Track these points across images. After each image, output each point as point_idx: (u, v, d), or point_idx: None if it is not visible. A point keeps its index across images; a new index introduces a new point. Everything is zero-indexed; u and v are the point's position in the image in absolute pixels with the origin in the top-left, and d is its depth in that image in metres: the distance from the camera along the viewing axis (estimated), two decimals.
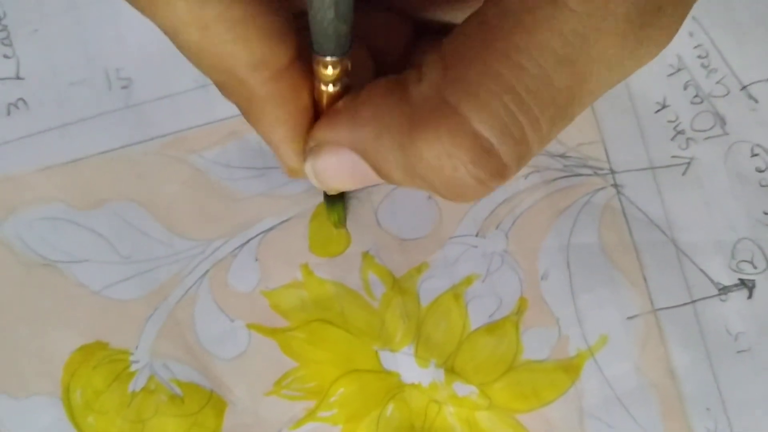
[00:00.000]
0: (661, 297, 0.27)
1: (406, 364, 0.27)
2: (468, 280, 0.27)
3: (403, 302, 0.27)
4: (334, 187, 0.21)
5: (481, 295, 0.27)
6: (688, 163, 0.28)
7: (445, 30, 0.21)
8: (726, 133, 0.28)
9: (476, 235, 0.27)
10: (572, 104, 0.16)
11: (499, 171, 0.17)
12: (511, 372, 0.27)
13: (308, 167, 0.20)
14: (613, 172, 0.27)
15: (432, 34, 0.22)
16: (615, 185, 0.27)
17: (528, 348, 0.27)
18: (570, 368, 0.27)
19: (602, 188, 0.27)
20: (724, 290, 0.27)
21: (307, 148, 0.20)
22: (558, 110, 0.16)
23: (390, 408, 0.27)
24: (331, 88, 0.19)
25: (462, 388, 0.26)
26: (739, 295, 0.27)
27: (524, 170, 0.27)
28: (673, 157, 0.28)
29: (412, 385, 0.27)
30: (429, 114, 0.16)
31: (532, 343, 0.27)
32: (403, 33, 0.22)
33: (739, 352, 0.27)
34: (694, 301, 0.27)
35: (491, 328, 0.27)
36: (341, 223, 0.27)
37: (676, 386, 0.27)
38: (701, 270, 0.27)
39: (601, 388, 0.27)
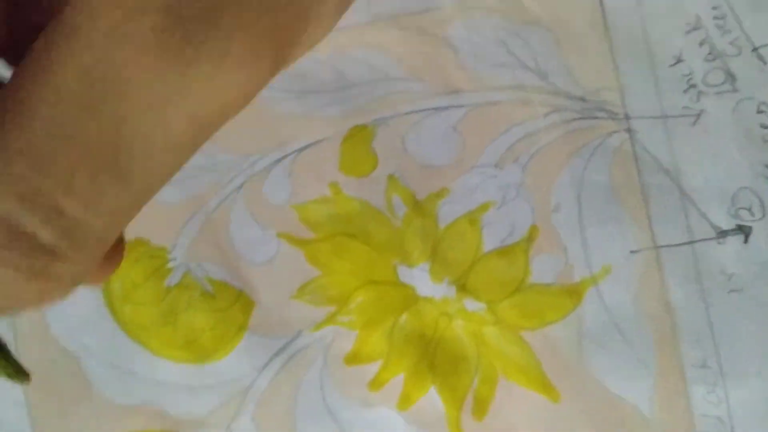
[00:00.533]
0: (663, 235, 0.29)
1: (421, 279, 0.29)
2: (484, 207, 0.29)
3: (423, 223, 0.29)
4: None
5: (495, 221, 0.29)
6: (698, 115, 0.30)
7: None
8: (735, 90, 0.30)
9: (495, 166, 0.29)
10: (116, 158, 0.12)
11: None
12: (518, 293, 0.29)
13: None
14: (627, 117, 0.30)
15: None
16: (628, 130, 0.29)
17: (536, 272, 0.29)
18: (573, 293, 0.29)
19: (616, 132, 0.29)
20: (722, 234, 0.29)
21: None
22: (98, 167, 0.12)
23: (404, 318, 0.29)
24: None
25: (472, 304, 0.29)
26: (736, 240, 0.29)
27: (544, 110, 0.29)
28: (685, 108, 0.30)
29: (426, 298, 0.29)
30: None
31: (539, 267, 0.29)
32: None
33: (731, 291, 0.29)
34: (693, 242, 0.29)
35: (503, 251, 0.29)
36: (16, 375, 0.17)
37: (670, 318, 0.29)
38: (702, 214, 0.29)
39: (601, 314, 0.29)
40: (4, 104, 0.12)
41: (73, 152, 0.12)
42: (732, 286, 0.29)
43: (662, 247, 0.29)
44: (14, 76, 0.12)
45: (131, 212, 0.13)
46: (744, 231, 0.29)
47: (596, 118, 0.29)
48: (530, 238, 0.29)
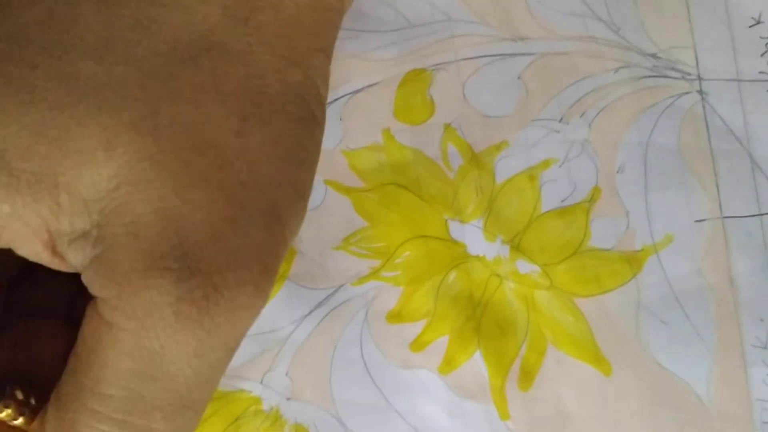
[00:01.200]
0: (731, 205, 0.27)
1: (473, 236, 0.27)
2: (545, 164, 0.27)
3: (479, 176, 0.27)
4: None
5: (556, 179, 0.27)
6: None
7: None
8: None
9: (560, 121, 0.27)
10: (184, 398, 0.17)
11: None
12: (575, 256, 0.27)
13: None
14: (700, 78, 0.28)
15: None
16: (700, 92, 0.28)
17: (595, 235, 0.27)
18: (633, 261, 0.27)
19: (687, 93, 0.28)
20: None
21: None
22: (170, 411, 0.17)
23: (452, 276, 0.27)
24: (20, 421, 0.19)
25: (525, 266, 0.27)
26: None
27: (614, 64, 0.28)
28: (761, 72, 0.28)
29: (477, 257, 0.27)
30: None
31: (599, 231, 0.27)
32: (64, 340, 0.21)
33: None
34: (762, 214, 0.27)
35: (562, 212, 0.27)
36: None
37: (733, 293, 0.27)
38: None
39: (661, 284, 0.27)
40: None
41: (142, 407, 0.16)
42: None
43: (729, 217, 0.27)
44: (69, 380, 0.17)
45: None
46: None
47: (668, 77, 0.28)
48: (592, 200, 0.27)
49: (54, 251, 0.17)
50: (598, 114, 0.28)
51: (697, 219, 0.27)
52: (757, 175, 0.28)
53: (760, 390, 0.27)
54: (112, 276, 0.16)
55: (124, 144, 0.16)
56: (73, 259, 0.17)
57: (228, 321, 0.16)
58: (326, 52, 0.19)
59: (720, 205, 0.27)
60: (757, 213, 0.27)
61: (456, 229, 0.27)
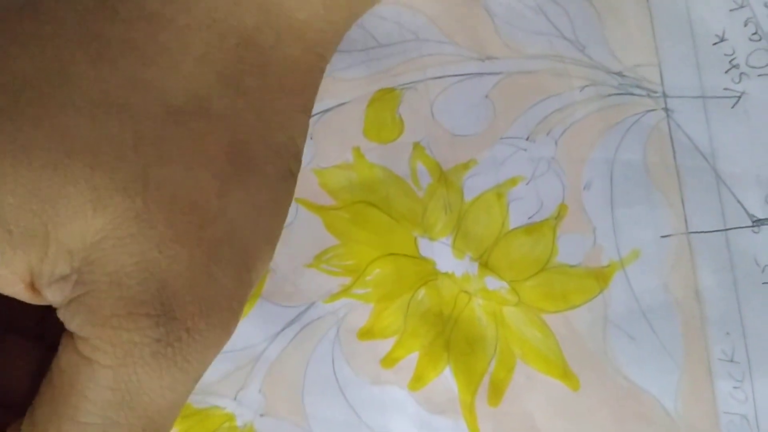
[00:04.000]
0: (696, 221, 0.28)
1: (442, 253, 0.28)
2: (513, 181, 0.28)
3: (447, 194, 0.28)
4: None
5: (523, 196, 0.28)
6: (739, 97, 0.28)
7: None
8: None
9: (527, 139, 0.28)
10: (156, 422, 0.18)
11: None
12: (543, 273, 0.27)
13: None
14: (665, 95, 0.28)
15: None
16: (665, 109, 0.28)
17: (562, 252, 0.27)
18: (600, 276, 0.27)
19: (653, 110, 0.28)
20: (757, 222, 0.28)
21: None
22: None
23: (421, 293, 0.28)
24: None
25: (493, 283, 0.27)
26: None
27: (580, 82, 0.28)
28: (725, 89, 0.28)
29: (446, 274, 0.28)
30: None
31: (566, 247, 0.27)
32: (34, 358, 0.22)
33: (765, 283, 0.28)
34: (727, 229, 0.28)
35: (529, 229, 0.28)
36: None
37: (699, 308, 0.27)
38: (738, 200, 0.28)
39: (628, 300, 0.27)
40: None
41: (119, 430, 0.17)
42: (765, 278, 0.28)
43: (695, 233, 0.28)
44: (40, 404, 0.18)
45: None
46: None
47: (633, 94, 0.28)
48: (559, 216, 0.28)
49: (32, 289, 0.17)
50: (564, 132, 0.28)
51: (663, 234, 0.28)
52: (722, 190, 0.28)
53: (726, 403, 0.27)
54: (93, 318, 0.17)
55: (114, 203, 0.16)
56: (51, 297, 0.17)
57: (198, 359, 0.18)
58: (307, 111, 0.20)
59: (686, 220, 0.28)
60: (722, 228, 0.28)
61: (425, 247, 0.28)
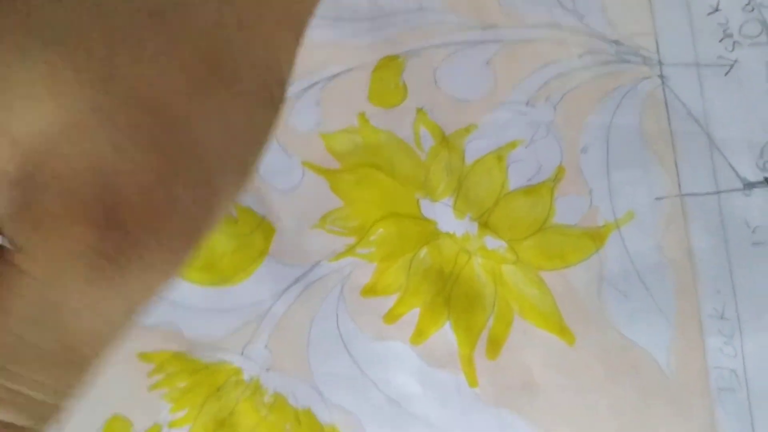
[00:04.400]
0: (690, 184, 0.29)
1: (443, 214, 0.29)
2: (512, 144, 0.29)
3: (449, 157, 0.29)
4: None
5: (522, 159, 0.29)
6: (732, 65, 0.29)
7: None
8: None
9: (526, 104, 0.29)
10: (72, 352, 0.16)
11: None
12: (540, 232, 0.29)
13: None
14: (660, 63, 0.29)
15: None
16: (661, 76, 0.29)
17: (560, 212, 0.29)
18: (596, 236, 0.29)
19: (649, 77, 0.29)
20: (749, 186, 0.29)
21: None
22: (52, 362, 0.16)
23: (423, 252, 0.29)
24: None
25: (492, 242, 0.29)
26: (762, 192, 0.29)
27: (578, 50, 0.29)
28: (719, 57, 0.29)
29: (447, 233, 0.29)
30: None
31: (563, 208, 0.29)
32: None
33: (755, 243, 0.29)
34: (719, 192, 0.29)
35: (528, 190, 0.29)
36: None
37: (692, 267, 0.29)
38: (730, 164, 0.29)
39: (622, 259, 0.29)
40: None
41: (35, 354, 0.15)
42: (755, 239, 0.29)
43: (688, 195, 0.29)
44: None
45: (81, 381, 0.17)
46: None
47: (630, 62, 0.29)
48: (557, 178, 0.29)
49: None
50: (563, 97, 0.29)
51: (658, 197, 0.29)
52: (714, 155, 0.29)
53: (716, 358, 0.28)
54: (31, 221, 0.15)
55: (73, 90, 0.15)
56: None
57: (137, 281, 0.16)
58: (296, 32, 0.19)
59: (679, 183, 0.29)
60: (714, 191, 0.29)
61: (427, 208, 0.29)
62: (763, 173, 0.29)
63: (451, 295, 0.28)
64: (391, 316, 0.29)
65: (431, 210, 0.29)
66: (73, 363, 0.16)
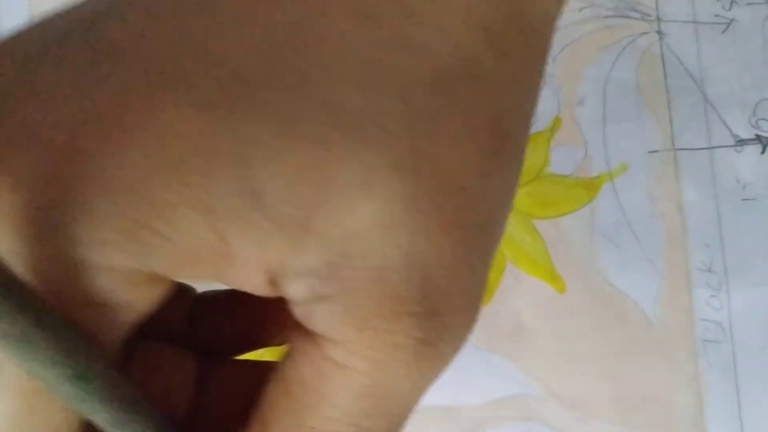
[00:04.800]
0: (683, 138, 0.29)
1: None
2: None
3: None
4: None
5: None
6: (729, 24, 0.30)
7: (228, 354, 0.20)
8: (767, 2, 0.30)
9: None
10: (404, 419, 0.16)
11: None
12: (535, 181, 0.29)
13: None
14: (659, 20, 0.30)
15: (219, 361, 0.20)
16: (659, 32, 0.30)
17: (555, 162, 0.29)
18: (590, 187, 0.29)
19: (647, 33, 0.30)
20: (740, 142, 0.30)
21: None
22: (390, 430, 0.16)
23: None
24: None
25: None
26: (754, 149, 0.29)
27: (578, 4, 0.30)
28: (716, 15, 0.30)
29: None
30: None
31: (559, 158, 0.29)
32: (190, 368, 0.19)
33: (744, 199, 0.29)
34: (711, 148, 0.29)
35: None
36: None
37: (682, 220, 0.29)
38: (723, 121, 0.30)
39: (614, 210, 0.29)
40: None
41: None
42: (745, 195, 0.29)
43: (681, 149, 0.29)
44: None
45: None
46: (762, 141, 0.30)
47: (628, 17, 0.30)
48: (553, 129, 0.29)
49: (272, 283, 0.15)
50: (562, 50, 0.29)
51: (651, 150, 0.29)
52: (708, 111, 0.30)
53: (702, 310, 0.29)
54: (351, 320, 0.15)
55: (383, 185, 0.14)
56: (293, 293, 0.15)
57: (450, 358, 0.16)
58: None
59: (673, 138, 0.29)
60: (707, 146, 0.29)
61: None
62: (755, 130, 0.30)
63: None
64: None
65: None
66: (403, 425, 0.17)
